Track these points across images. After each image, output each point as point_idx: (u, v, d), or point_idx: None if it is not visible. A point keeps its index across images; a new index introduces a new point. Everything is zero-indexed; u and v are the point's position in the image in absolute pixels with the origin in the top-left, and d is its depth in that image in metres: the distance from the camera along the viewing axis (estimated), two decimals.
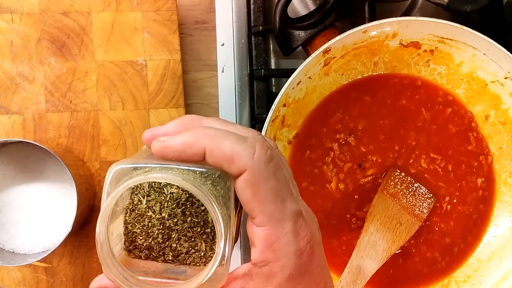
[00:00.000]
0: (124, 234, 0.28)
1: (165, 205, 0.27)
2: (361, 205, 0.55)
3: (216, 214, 0.25)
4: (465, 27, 0.49)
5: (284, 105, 0.51)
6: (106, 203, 0.26)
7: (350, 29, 0.49)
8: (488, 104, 0.56)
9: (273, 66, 0.63)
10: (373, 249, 0.52)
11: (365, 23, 0.51)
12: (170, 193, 0.27)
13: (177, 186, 0.27)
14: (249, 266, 0.27)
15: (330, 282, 0.30)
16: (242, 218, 0.31)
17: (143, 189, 0.28)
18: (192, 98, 0.60)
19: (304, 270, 0.27)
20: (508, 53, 0.50)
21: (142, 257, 0.28)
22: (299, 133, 0.54)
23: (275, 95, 0.49)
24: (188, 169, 0.26)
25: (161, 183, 0.27)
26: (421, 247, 0.56)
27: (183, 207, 0.27)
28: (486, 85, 0.55)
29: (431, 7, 0.54)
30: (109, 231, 0.26)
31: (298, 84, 0.51)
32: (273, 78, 0.62)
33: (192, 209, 0.27)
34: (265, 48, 0.60)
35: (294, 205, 0.27)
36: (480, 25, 0.62)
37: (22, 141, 0.51)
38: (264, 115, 0.55)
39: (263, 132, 0.49)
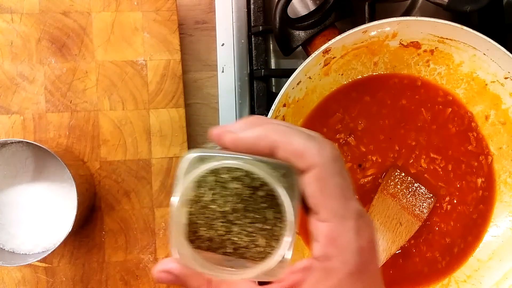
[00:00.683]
0: (187, 225, 0.29)
1: (229, 200, 0.28)
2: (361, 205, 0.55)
3: (288, 203, 0.26)
4: (465, 27, 0.49)
5: (284, 105, 0.51)
6: (186, 181, 0.27)
7: (350, 29, 0.49)
8: (488, 104, 0.56)
9: (273, 66, 0.63)
10: None
11: (365, 23, 0.51)
12: (235, 188, 0.28)
13: (241, 182, 0.28)
14: (310, 260, 0.28)
15: (383, 286, 0.31)
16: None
17: (209, 182, 0.29)
18: (192, 98, 0.60)
19: (364, 269, 0.28)
20: (508, 53, 0.50)
21: (203, 248, 0.29)
22: None
23: (275, 95, 0.49)
24: (261, 161, 0.28)
25: (226, 178, 0.28)
26: (421, 247, 0.56)
27: (246, 203, 0.28)
28: (486, 85, 0.55)
29: (431, 7, 0.54)
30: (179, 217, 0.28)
31: (298, 84, 0.51)
32: (273, 78, 0.62)
33: (255, 205, 0.28)
34: (265, 48, 0.60)
35: (357, 204, 0.28)
36: (480, 25, 0.62)
37: (22, 141, 0.51)
38: (264, 115, 0.55)
39: None
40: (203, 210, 0.29)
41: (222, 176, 0.28)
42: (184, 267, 0.29)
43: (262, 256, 0.29)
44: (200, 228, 0.29)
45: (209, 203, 0.28)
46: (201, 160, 0.28)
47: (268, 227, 0.28)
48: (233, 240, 0.29)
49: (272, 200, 0.28)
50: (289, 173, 0.28)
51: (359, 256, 0.27)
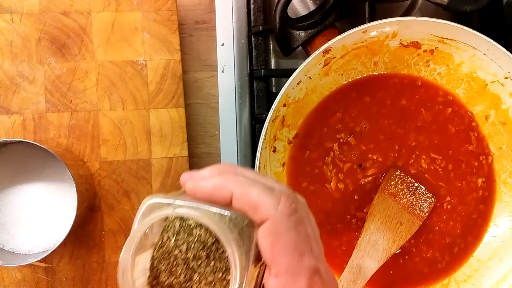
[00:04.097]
0: (149, 269, 0.29)
1: (192, 246, 0.28)
2: (361, 206, 0.55)
3: (234, 256, 0.26)
4: (465, 27, 0.49)
5: (284, 105, 0.51)
6: (135, 229, 0.27)
7: (350, 29, 0.49)
8: (488, 104, 0.56)
9: (273, 66, 0.63)
10: (373, 249, 0.52)
11: (365, 23, 0.51)
12: (198, 235, 0.28)
13: (205, 229, 0.28)
14: None
15: None
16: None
17: (174, 227, 0.28)
18: (192, 98, 0.60)
19: None
20: (508, 53, 0.50)
21: None
22: (299, 133, 0.54)
23: (275, 95, 0.49)
24: (217, 212, 0.27)
25: (191, 224, 0.28)
26: (422, 247, 0.56)
27: (208, 251, 0.28)
28: (486, 85, 0.55)
29: (431, 7, 0.54)
30: (135, 262, 0.27)
31: (298, 84, 0.51)
32: (273, 78, 0.62)
33: (217, 254, 0.28)
34: (265, 48, 0.60)
35: (312, 261, 0.27)
36: (480, 25, 0.62)
37: (22, 141, 0.51)
38: (264, 115, 0.55)
39: (263, 132, 0.49)
40: (167, 256, 0.28)
41: (187, 222, 0.28)
42: None
43: None
44: (162, 274, 0.28)
45: (172, 249, 0.28)
46: (160, 206, 0.28)
47: (229, 277, 0.28)
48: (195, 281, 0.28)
49: None
50: (248, 230, 0.27)
51: None
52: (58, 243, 0.49)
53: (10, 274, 0.54)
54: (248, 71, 0.60)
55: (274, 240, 0.26)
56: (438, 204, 0.56)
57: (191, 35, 0.61)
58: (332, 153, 0.55)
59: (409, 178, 0.54)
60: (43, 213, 0.52)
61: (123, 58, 0.57)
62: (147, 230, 0.27)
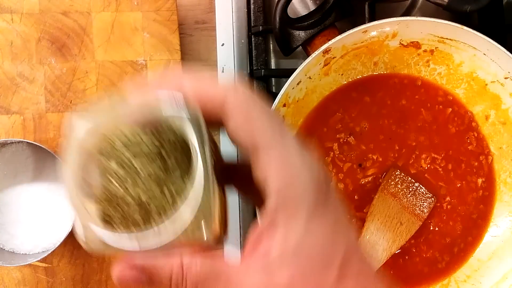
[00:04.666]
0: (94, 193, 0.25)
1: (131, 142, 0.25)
2: (361, 206, 0.55)
3: (194, 140, 0.23)
4: (465, 27, 0.49)
5: (284, 105, 0.51)
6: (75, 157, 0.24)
7: (350, 29, 0.49)
8: (488, 104, 0.56)
9: (273, 66, 0.63)
10: (373, 249, 0.52)
11: (365, 23, 0.51)
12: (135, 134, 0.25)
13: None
14: (266, 215, 0.24)
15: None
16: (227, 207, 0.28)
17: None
18: None
19: (328, 195, 0.24)
20: (508, 53, 0.50)
21: (114, 219, 0.25)
22: (299, 133, 0.54)
23: (275, 95, 0.49)
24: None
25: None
26: (421, 247, 0.56)
27: (148, 158, 0.25)
28: (486, 85, 0.55)
29: (431, 7, 0.54)
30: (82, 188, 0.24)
31: (298, 84, 0.51)
32: (273, 78, 0.62)
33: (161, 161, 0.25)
34: (265, 48, 0.60)
35: (290, 130, 0.25)
36: (480, 25, 0.62)
37: (22, 141, 0.51)
38: None
39: None
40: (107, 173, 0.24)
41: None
42: (147, 256, 0.24)
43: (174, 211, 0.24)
44: (107, 186, 0.24)
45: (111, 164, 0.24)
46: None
47: (174, 177, 0.24)
48: (138, 194, 0.24)
49: (176, 150, 0.25)
50: (193, 117, 0.24)
51: (317, 172, 0.24)
52: (58, 243, 0.49)
53: (10, 274, 0.54)
54: (248, 71, 0.60)
55: (247, 117, 0.24)
56: (438, 204, 0.56)
57: (191, 35, 0.61)
58: (332, 153, 0.55)
59: (409, 178, 0.54)
60: (43, 213, 0.52)
61: (123, 58, 0.57)
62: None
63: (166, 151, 0.25)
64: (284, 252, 0.23)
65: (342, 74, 0.55)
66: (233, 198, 0.56)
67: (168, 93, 0.24)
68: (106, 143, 0.25)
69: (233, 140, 0.25)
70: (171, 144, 0.25)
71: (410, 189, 0.54)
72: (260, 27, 0.59)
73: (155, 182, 0.25)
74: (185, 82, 0.25)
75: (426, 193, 0.54)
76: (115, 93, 0.26)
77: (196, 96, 0.24)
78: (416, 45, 0.53)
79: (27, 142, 0.49)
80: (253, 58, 0.59)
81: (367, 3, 0.56)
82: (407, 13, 0.63)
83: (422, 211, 0.54)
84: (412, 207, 0.54)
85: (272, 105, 0.49)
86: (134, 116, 0.24)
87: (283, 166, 0.23)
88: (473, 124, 0.56)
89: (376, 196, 0.53)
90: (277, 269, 0.23)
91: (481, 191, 0.56)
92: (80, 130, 0.24)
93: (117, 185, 0.24)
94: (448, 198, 0.56)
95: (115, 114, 0.25)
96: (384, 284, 0.26)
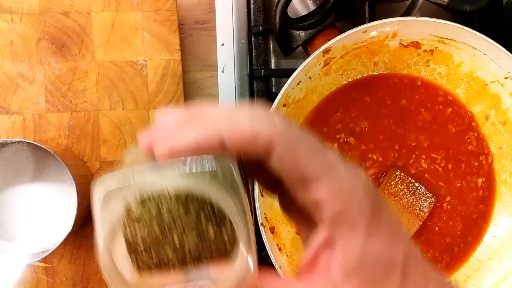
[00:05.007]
0: (128, 252, 0.24)
1: (161, 203, 0.24)
2: None
3: (234, 215, 0.23)
4: (465, 27, 0.49)
5: (284, 105, 0.51)
6: (105, 232, 0.23)
7: (350, 29, 0.49)
8: (488, 104, 0.56)
9: (273, 66, 0.63)
10: None
11: (365, 23, 0.51)
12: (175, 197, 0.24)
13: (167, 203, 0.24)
14: (321, 232, 0.24)
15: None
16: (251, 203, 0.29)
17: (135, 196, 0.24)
18: (192, 98, 0.60)
19: (379, 202, 0.25)
20: (508, 53, 0.50)
21: (153, 269, 0.25)
22: None
23: (275, 95, 0.49)
24: (198, 171, 0.23)
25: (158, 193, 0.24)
26: (422, 247, 0.56)
27: (183, 200, 0.24)
28: (486, 85, 0.55)
29: (431, 7, 0.54)
30: (114, 255, 0.24)
31: (298, 84, 0.51)
32: (273, 78, 0.62)
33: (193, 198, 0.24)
34: (265, 48, 0.60)
35: (335, 154, 0.25)
36: (480, 25, 0.62)
37: (22, 141, 0.51)
38: None
39: None
40: (139, 225, 0.24)
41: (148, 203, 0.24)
42: None
43: (223, 249, 0.24)
44: (139, 247, 0.24)
45: (141, 215, 0.24)
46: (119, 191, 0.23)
47: (215, 211, 0.24)
48: (179, 242, 0.24)
49: (209, 210, 0.24)
50: (219, 162, 0.23)
51: (368, 191, 0.24)
52: (58, 243, 0.49)
53: (10, 274, 0.54)
54: (248, 71, 0.60)
55: (292, 155, 0.23)
56: (438, 204, 0.56)
57: (191, 35, 0.61)
58: None
59: (409, 178, 0.54)
60: (43, 213, 0.52)
61: (123, 58, 0.57)
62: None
63: (205, 219, 0.24)
64: (346, 266, 0.24)
65: (342, 74, 0.55)
66: None
67: (199, 158, 0.23)
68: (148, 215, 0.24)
69: (275, 174, 0.24)
70: (208, 210, 0.24)
71: (410, 189, 0.54)
72: (260, 27, 0.59)
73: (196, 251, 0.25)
74: (221, 127, 0.23)
75: (426, 193, 0.54)
76: (137, 151, 0.25)
77: (236, 145, 0.23)
78: (416, 45, 0.53)
79: (27, 142, 0.49)
80: (253, 58, 0.59)
81: (367, 3, 0.56)
82: (407, 13, 0.63)
83: (422, 211, 0.54)
84: (412, 207, 0.54)
85: (272, 105, 0.49)
86: (165, 185, 0.23)
87: (336, 192, 0.24)
88: (473, 124, 0.56)
89: None
90: (342, 282, 0.24)
91: (481, 191, 0.56)
92: (116, 206, 0.24)
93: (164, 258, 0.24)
94: (448, 198, 0.56)
95: (143, 183, 0.23)
96: (444, 279, 0.27)
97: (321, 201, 0.24)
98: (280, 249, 0.52)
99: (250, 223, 0.24)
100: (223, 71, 0.59)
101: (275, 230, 0.53)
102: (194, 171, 0.23)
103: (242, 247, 0.23)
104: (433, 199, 0.54)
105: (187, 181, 0.23)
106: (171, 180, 0.23)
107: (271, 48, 0.63)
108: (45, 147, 0.48)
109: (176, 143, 0.23)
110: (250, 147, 0.23)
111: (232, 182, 0.24)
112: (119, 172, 0.24)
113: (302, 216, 0.26)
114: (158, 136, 0.24)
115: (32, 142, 0.49)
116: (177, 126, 0.24)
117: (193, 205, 0.24)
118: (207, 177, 0.23)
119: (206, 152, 0.23)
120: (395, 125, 0.55)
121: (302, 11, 0.60)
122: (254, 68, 0.59)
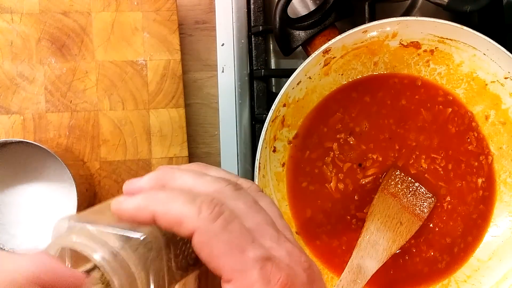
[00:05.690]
0: None
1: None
2: (362, 206, 0.55)
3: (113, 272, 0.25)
4: (465, 27, 0.49)
5: (284, 105, 0.51)
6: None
7: (350, 29, 0.49)
8: (488, 104, 0.56)
9: (273, 66, 0.63)
10: (373, 249, 0.52)
11: (365, 23, 0.51)
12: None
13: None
14: None
15: None
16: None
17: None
18: (192, 98, 0.60)
19: None
20: (508, 53, 0.50)
21: None
22: (299, 133, 0.54)
23: (275, 95, 0.49)
24: (123, 235, 0.26)
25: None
26: (422, 247, 0.56)
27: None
28: (486, 85, 0.55)
29: (431, 7, 0.54)
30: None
31: (298, 84, 0.51)
32: (273, 78, 0.62)
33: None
34: (265, 48, 0.60)
35: (257, 251, 0.26)
36: (480, 25, 0.62)
37: (22, 141, 0.51)
38: (264, 115, 0.55)
39: (263, 132, 0.49)
40: None
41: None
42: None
43: None
44: None
45: None
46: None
47: None
48: None
49: None
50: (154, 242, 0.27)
51: None
52: None
53: None
54: (248, 71, 0.60)
55: (209, 249, 0.26)
56: (438, 204, 0.56)
57: (191, 35, 0.61)
58: (332, 153, 0.55)
59: (409, 178, 0.54)
60: (43, 213, 0.52)
61: (123, 58, 0.57)
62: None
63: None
64: None
65: (342, 74, 0.55)
66: None
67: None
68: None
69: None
70: None
71: (410, 189, 0.54)
72: (260, 27, 0.59)
73: None
74: (156, 206, 0.26)
75: (426, 193, 0.54)
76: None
77: (164, 224, 0.26)
78: (416, 45, 0.53)
79: (27, 142, 0.49)
80: (253, 58, 0.59)
81: (367, 3, 0.56)
82: (407, 13, 0.63)
83: (422, 211, 0.54)
84: (412, 207, 0.54)
85: (272, 105, 0.49)
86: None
87: None
88: (473, 124, 0.56)
89: (376, 196, 0.53)
90: None
91: (481, 191, 0.56)
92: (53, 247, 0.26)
93: None
94: (448, 198, 0.56)
95: None
96: None
97: None
98: None
99: None
100: (223, 71, 0.59)
101: None
102: (119, 234, 0.26)
103: None
104: (433, 199, 0.54)
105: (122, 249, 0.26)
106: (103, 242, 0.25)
107: (271, 48, 0.63)
108: (45, 147, 0.48)
109: (121, 206, 0.27)
110: (175, 229, 0.26)
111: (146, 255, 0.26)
112: (85, 214, 0.28)
113: None
114: (131, 188, 0.29)
115: (32, 142, 0.49)
116: (147, 185, 0.29)
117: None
118: (136, 245, 0.26)
119: (144, 222, 0.27)
120: (395, 125, 0.55)
121: (302, 11, 0.60)
122: (254, 68, 0.59)
